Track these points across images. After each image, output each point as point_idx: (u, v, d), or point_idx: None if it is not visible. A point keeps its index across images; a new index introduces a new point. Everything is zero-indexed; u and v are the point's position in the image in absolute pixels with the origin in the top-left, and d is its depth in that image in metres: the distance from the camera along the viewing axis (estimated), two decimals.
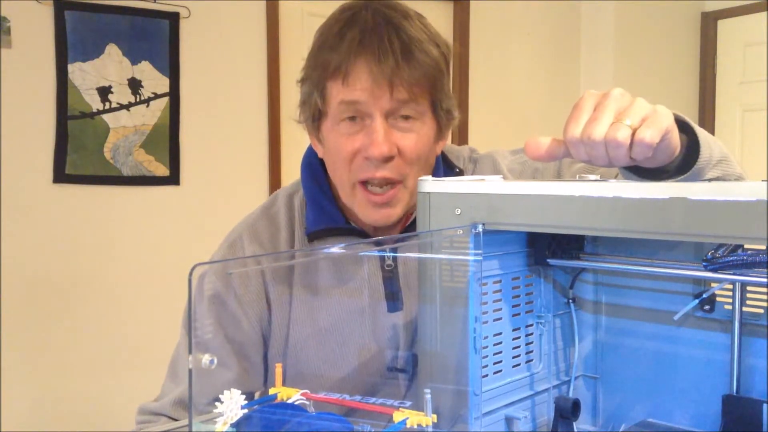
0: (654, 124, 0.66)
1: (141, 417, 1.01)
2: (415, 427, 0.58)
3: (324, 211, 1.00)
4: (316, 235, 1.00)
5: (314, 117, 0.97)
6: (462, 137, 3.43)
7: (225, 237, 1.05)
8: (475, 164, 1.08)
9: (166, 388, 1.02)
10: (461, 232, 0.72)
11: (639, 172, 0.77)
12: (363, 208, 0.96)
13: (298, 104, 0.99)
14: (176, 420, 0.98)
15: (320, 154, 1.01)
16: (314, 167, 1.03)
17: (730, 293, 0.74)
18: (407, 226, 1.02)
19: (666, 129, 0.67)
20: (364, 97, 0.90)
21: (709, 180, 0.80)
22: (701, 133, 0.77)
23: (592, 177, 0.75)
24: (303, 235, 1.01)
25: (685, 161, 0.77)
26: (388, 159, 0.92)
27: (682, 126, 0.75)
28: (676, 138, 0.71)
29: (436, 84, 0.94)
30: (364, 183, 0.94)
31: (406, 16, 0.93)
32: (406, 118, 0.93)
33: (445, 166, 1.06)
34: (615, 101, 0.68)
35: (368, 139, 0.91)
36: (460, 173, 1.06)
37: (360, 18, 0.91)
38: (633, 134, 0.65)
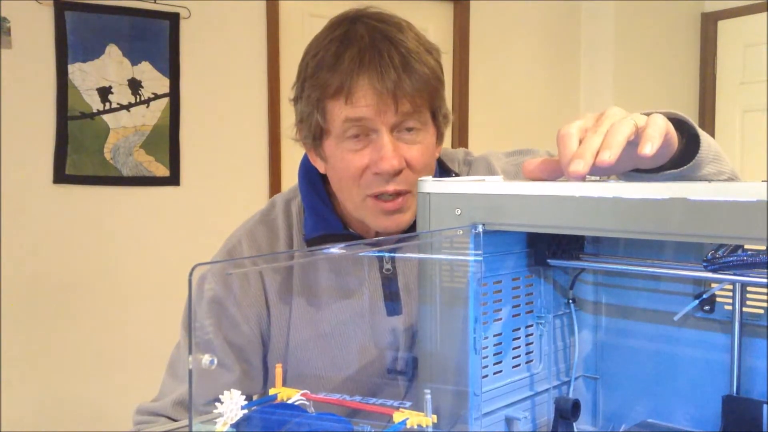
0: (655, 123, 0.66)
1: (139, 417, 1.01)
2: (415, 427, 0.58)
3: (322, 218, 1.00)
4: (314, 241, 1.00)
5: (315, 136, 0.97)
6: (462, 137, 3.43)
7: (224, 243, 1.05)
8: (469, 166, 1.09)
9: (166, 388, 1.02)
10: (461, 232, 0.72)
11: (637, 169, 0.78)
12: (375, 217, 0.96)
13: (295, 123, 1.00)
14: (176, 421, 0.98)
15: (321, 170, 1.01)
16: (311, 174, 1.03)
17: (730, 294, 0.74)
18: (405, 232, 1.02)
19: (666, 129, 0.68)
20: (370, 113, 0.90)
21: (707, 177, 0.80)
22: (699, 129, 0.78)
23: (592, 177, 0.75)
24: (302, 242, 1.01)
25: (681, 159, 0.77)
26: (398, 172, 0.92)
27: (678, 124, 0.76)
28: (675, 137, 0.72)
29: (436, 92, 0.95)
30: (375, 195, 0.94)
31: (400, 28, 0.93)
32: (410, 129, 0.93)
33: (441, 170, 1.06)
34: (613, 115, 0.68)
35: (377, 155, 0.91)
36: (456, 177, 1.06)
37: (355, 35, 0.91)
38: (637, 134, 0.66)
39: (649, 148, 0.65)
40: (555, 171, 0.70)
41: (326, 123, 0.94)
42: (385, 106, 0.90)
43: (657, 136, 0.66)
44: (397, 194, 0.94)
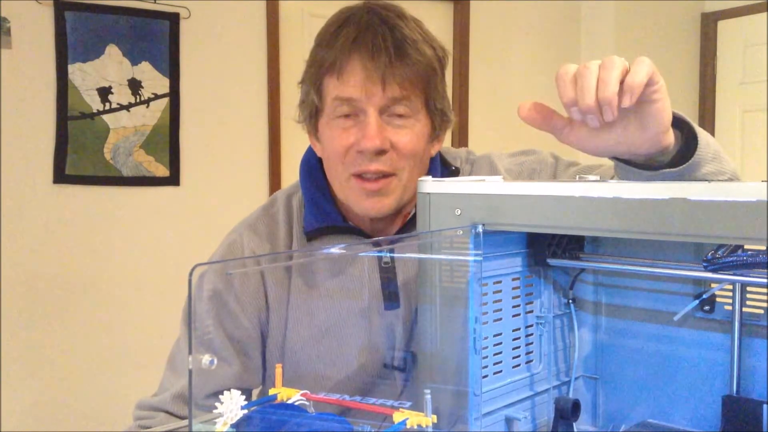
0: (643, 61, 0.71)
1: (139, 412, 1.01)
2: (415, 427, 0.58)
3: (322, 210, 1.01)
4: (313, 233, 1.00)
5: (311, 114, 0.99)
6: (462, 137, 3.43)
7: (225, 237, 1.06)
8: (472, 165, 1.09)
9: (166, 382, 1.02)
10: (461, 232, 0.72)
11: (635, 165, 0.78)
12: (356, 198, 0.96)
13: (298, 104, 1.01)
14: (176, 415, 0.98)
15: (319, 153, 1.02)
16: (313, 168, 1.04)
17: (730, 294, 0.74)
18: (405, 224, 1.02)
19: (653, 70, 0.71)
20: (357, 92, 0.91)
21: (707, 177, 0.80)
22: (698, 127, 0.78)
23: (592, 177, 0.75)
24: (301, 234, 1.02)
25: (680, 156, 0.77)
26: (380, 152, 0.93)
27: (677, 123, 0.76)
28: (667, 105, 0.74)
29: (429, 82, 0.95)
30: (358, 175, 0.95)
31: (401, 16, 0.95)
32: (400, 115, 0.94)
33: (443, 167, 1.06)
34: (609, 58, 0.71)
35: (361, 133, 0.92)
36: (456, 171, 1.06)
37: (356, 18, 0.93)
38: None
39: (627, 99, 0.68)
40: (549, 115, 0.74)
41: (320, 101, 0.96)
42: (373, 87, 0.91)
43: (638, 82, 0.69)
44: (381, 175, 0.94)
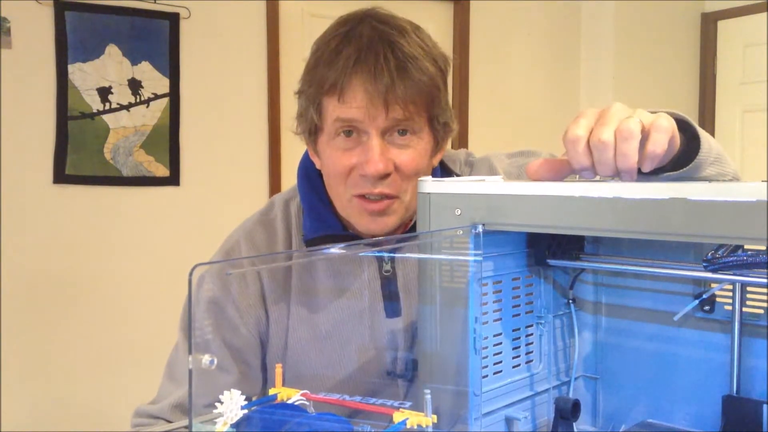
0: (661, 127, 0.66)
1: (137, 420, 1.00)
2: (415, 427, 0.58)
3: (321, 219, 1.00)
4: (313, 242, 1.00)
5: (311, 131, 0.97)
6: (461, 138, 3.43)
7: (222, 243, 1.05)
8: (471, 167, 1.09)
9: (164, 391, 1.01)
10: (461, 232, 0.72)
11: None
12: (359, 218, 0.96)
13: (296, 116, 1.00)
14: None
15: (318, 166, 1.01)
16: (311, 174, 1.03)
17: (730, 294, 0.74)
18: (406, 232, 1.02)
19: (672, 131, 0.68)
20: (360, 115, 0.90)
21: (708, 179, 0.80)
22: (700, 129, 0.78)
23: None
24: (300, 242, 1.01)
25: (681, 158, 0.77)
26: (384, 176, 0.92)
27: (680, 124, 0.76)
28: (678, 141, 0.72)
29: (432, 100, 0.93)
30: (361, 195, 0.94)
31: (402, 32, 0.92)
32: (403, 134, 0.93)
33: (443, 171, 1.06)
34: (618, 111, 0.68)
35: (364, 157, 0.91)
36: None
37: (356, 34, 0.91)
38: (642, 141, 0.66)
39: (649, 165, 0.66)
40: (559, 171, 0.70)
41: (320, 120, 0.94)
42: (376, 110, 0.89)
43: (659, 152, 0.66)
44: (383, 196, 0.93)
